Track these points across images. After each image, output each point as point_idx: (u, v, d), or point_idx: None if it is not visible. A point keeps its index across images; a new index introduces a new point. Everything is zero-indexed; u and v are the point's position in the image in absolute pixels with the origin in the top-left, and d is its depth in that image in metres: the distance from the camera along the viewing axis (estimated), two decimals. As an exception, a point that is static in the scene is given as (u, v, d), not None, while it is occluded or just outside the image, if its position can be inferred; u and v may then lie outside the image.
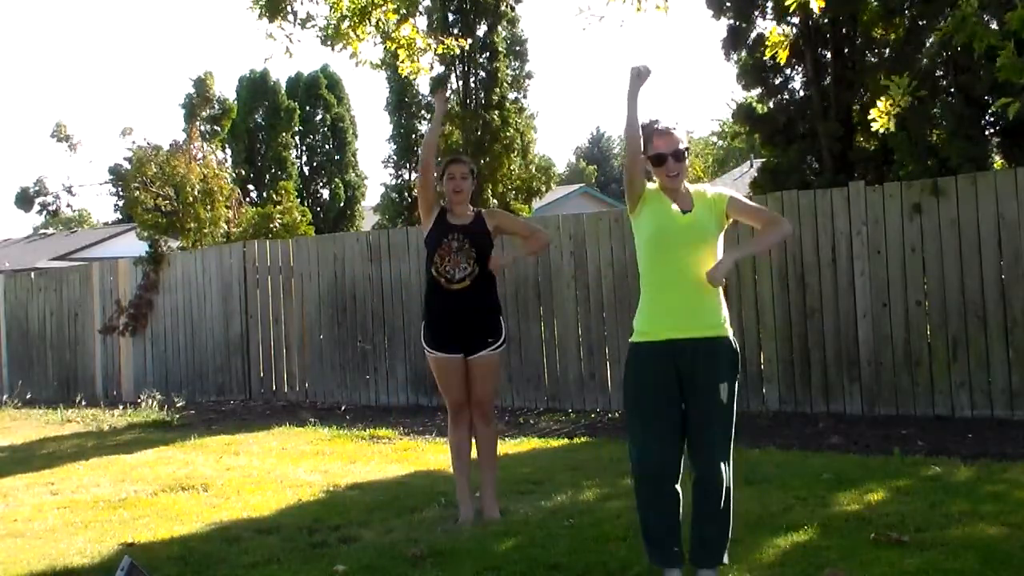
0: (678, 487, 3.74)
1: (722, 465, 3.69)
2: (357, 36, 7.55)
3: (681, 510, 3.78)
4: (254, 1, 7.41)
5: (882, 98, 6.46)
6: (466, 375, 5.16)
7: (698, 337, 3.62)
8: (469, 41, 12.57)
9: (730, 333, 3.74)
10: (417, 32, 7.89)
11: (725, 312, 3.72)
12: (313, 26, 7.54)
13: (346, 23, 7.50)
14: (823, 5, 6.67)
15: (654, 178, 3.82)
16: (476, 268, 5.07)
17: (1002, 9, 6.77)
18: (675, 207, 3.72)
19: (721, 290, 3.73)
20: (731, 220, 3.81)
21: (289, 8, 7.41)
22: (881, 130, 6.65)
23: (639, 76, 3.70)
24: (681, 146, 3.74)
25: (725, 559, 3.81)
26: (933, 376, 7.70)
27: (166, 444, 8.68)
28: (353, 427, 9.04)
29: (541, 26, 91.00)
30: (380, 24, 7.62)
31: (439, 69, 21.30)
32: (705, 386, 3.64)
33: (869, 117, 6.74)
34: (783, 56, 7.01)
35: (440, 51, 8.52)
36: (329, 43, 7.56)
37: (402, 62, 7.87)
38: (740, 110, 15.15)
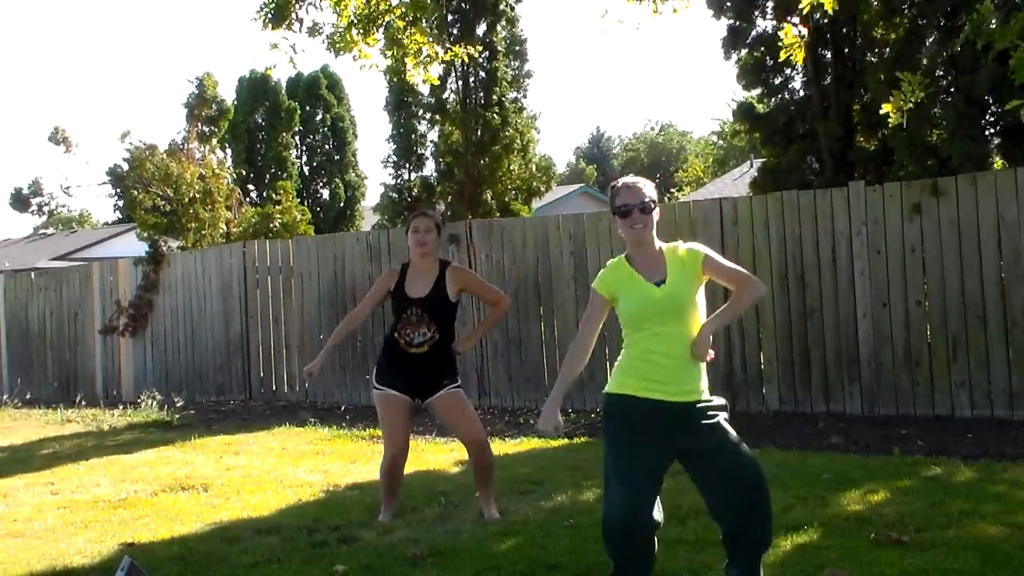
0: (654, 536, 3.55)
1: (761, 478, 3.49)
2: (366, 43, 7.53)
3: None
4: (259, 12, 7.41)
5: (895, 92, 6.45)
6: (411, 416, 5.24)
7: (682, 401, 3.48)
8: (479, 48, 12.54)
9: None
10: (426, 40, 7.88)
11: (705, 381, 3.57)
12: (320, 34, 7.54)
13: (354, 31, 7.49)
14: (836, 7, 6.62)
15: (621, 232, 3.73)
16: (436, 335, 5.09)
17: (1010, 8, 6.74)
18: (647, 282, 3.59)
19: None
20: (707, 278, 3.62)
21: (295, 16, 7.41)
22: (892, 123, 6.62)
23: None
24: (646, 199, 3.62)
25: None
26: (933, 376, 7.70)
27: (166, 444, 8.68)
28: (353, 427, 9.04)
29: (541, 26, 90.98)
30: (389, 29, 7.61)
31: (439, 69, 21.27)
32: (701, 424, 3.46)
33: (882, 111, 6.69)
34: (799, 56, 6.94)
35: (448, 58, 8.52)
36: (338, 50, 7.53)
37: (412, 68, 7.86)
38: (740, 109, 15.11)
